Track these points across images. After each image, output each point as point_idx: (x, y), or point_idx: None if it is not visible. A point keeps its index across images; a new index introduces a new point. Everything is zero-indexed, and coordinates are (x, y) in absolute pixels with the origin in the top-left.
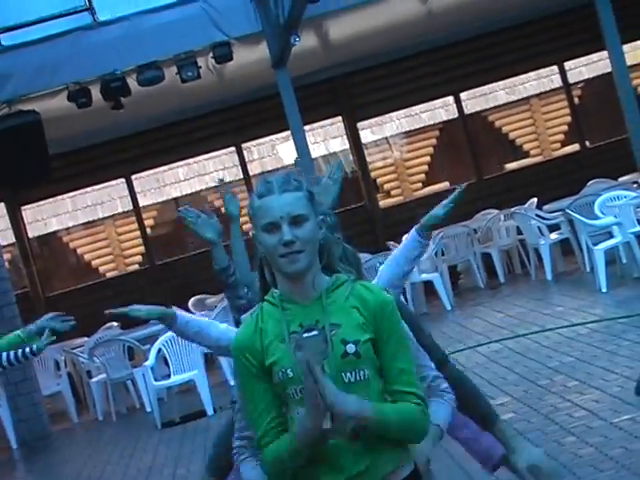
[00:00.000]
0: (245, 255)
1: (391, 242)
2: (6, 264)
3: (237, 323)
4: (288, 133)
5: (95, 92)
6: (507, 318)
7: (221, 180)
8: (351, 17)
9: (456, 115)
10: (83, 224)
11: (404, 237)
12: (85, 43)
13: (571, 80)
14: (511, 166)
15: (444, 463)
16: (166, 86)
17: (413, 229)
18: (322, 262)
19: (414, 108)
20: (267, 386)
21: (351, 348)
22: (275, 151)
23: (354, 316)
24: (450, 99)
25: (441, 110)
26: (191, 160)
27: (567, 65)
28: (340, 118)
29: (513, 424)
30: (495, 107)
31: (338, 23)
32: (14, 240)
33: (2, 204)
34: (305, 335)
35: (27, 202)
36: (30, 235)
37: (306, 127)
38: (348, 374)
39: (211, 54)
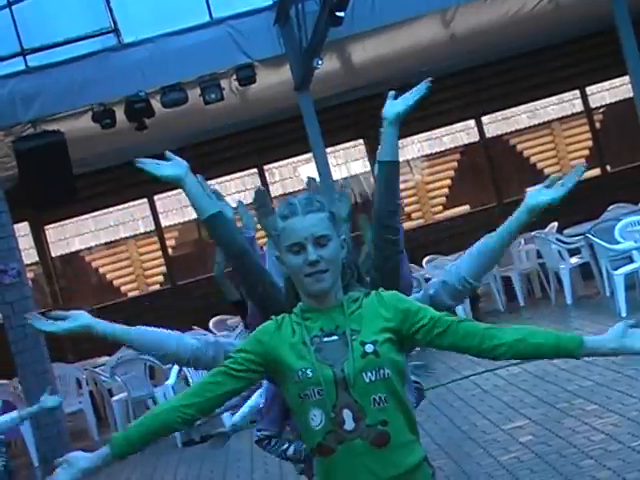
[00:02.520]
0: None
1: (411, 265)
2: (29, 283)
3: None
4: (309, 155)
5: (119, 113)
6: None
7: (240, 202)
8: (374, 40)
9: (477, 139)
10: (105, 244)
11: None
12: (110, 64)
13: (593, 105)
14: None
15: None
16: (189, 107)
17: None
18: (344, 281)
19: (435, 131)
20: (241, 376)
21: (370, 348)
22: (297, 173)
23: (374, 321)
24: (471, 122)
25: (462, 133)
26: (213, 181)
27: (589, 90)
28: (362, 141)
29: (531, 447)
30: (516, 131)
31: (361, 46)
32: (37, 259)
33: (26, 223)
34: (325, 339)
35: (50, 221)
36: (53, 254)
37: (328, 149)
38: (369, 373)
39: (234, 76)
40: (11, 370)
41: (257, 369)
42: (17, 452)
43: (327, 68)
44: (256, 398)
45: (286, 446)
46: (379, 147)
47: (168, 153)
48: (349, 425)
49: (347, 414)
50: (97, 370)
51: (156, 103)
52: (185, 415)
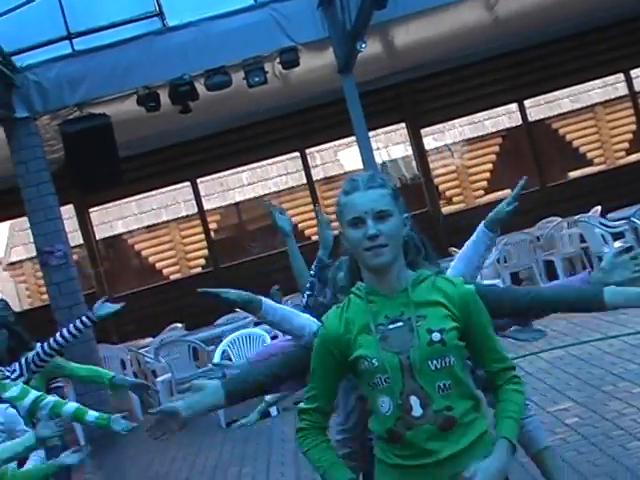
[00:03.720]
0: (306, 270)
1: (453, 248)
2: (74, 266)
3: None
4: (351, 139)
5: (164, 96)
6: (570, 325)
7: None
8: (417, 23)
9: (520, 123)
10: (148, 227)
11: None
12: (155, 48)
13: (637, 88)
14: (575, 174)
15: None
16: (233, 91)
17: (481, 224)
18: (407, 259)
19: (477, 115)
20: (335, 378)
21: (436, 336)
22: (337, 157)
23: (439, 308)
24: (514, 106)
25: (504, 117)
26: (255, 165)
27: (633, 73)
28: (404, 124)
29: (577, 428)
30: (559, 115)
31: (404, 29)
32: (82, 242)
33: (71, 206)
34: (391, 326)
35: (95, 204)
36: (97, 237)
37: (370, 133)
38: (434, 361)
39: (278, 60)
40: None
41: (341, 366)
42: (65, 431)
43: (370, 51)
44: None
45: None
46: None
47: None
48: (417, 411)
49: (414, 400)
50: (141, 351)
51: (200, 86)
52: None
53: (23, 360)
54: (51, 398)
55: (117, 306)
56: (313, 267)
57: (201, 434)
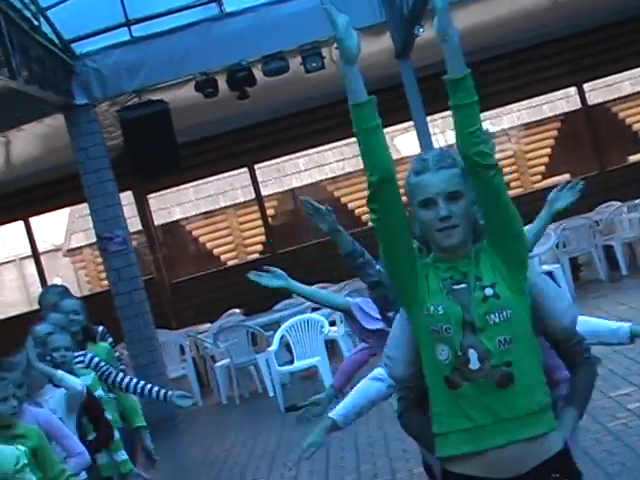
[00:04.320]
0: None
1: None
2: (134, 252)
3: (374, 302)
4: (407, 125)
5: (221, 82)
6: (630, 310)
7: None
8: (476, 7)
9: (579, 106)
10: (205, 213)
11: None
12: (212, 34)
13: None
14: (634, 158)
15: None
16: (290, 76)
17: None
18: (475, 236)
19: (535, 99)
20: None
21: (489, 291)
22: (394, 143)
23: (490, 266)
24: (572, 90)
25: (563, 101)
26: (312, 150)
27: None
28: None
29: (639, 413)
30: (619, 98)
31: (463, 13)
32: (140, 228)
33: (130, 192)
34: (455, 287)
35: (153, 190)
36: (156, 223)
37: (427, 118)
38: (492, 315)
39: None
40: (118, 336)
41: (410, 260)
42: None
43: (428, 35)
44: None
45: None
46: None
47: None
48: (474, 364)
49: (472, 354)
50: (200, 337)
51: (258, 72)
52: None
53: (96, 362)
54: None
55: (189, 402)
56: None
57: (260, 419)
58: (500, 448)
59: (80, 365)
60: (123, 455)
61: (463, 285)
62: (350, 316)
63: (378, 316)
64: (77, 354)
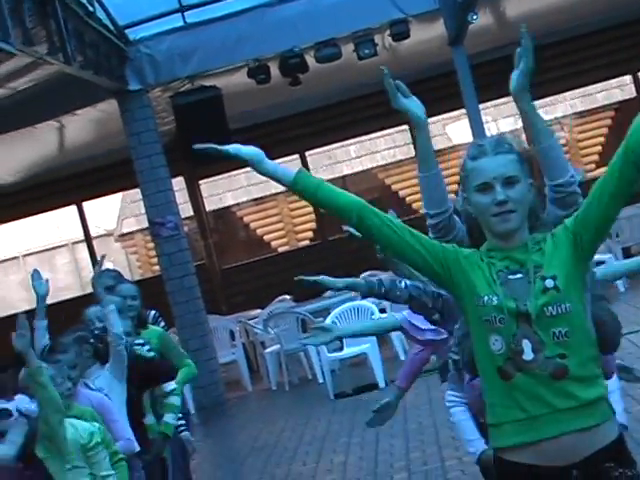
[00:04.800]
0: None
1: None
2: (185, 237)
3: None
4: (459, 112)
5: (274, 68)
6: None
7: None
8: None
9: (633, 95)
10: (256, 199)
11: None
12: (265, 20)
13: None
14: None
15: None
16: (343, 63)
17: None
18: (530, 224)
19: (588, 88)
20: (420, 248)
21: (550, 283)
22: (445, 130)
23: (552, 257)
24: (627, 79)
25: (617, 90)
26: (363, 137)
27: None
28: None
29: None
30: None
31: (516, 0)
32: (192, 213)
33: (181, 178)
34: (510, 277)
35: (204, 176)
36: (207, 209)
37: (479, 106)
38: (550, 307)
39: (388, 32)
40: (169, 321)
41: (444, 265)
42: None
43: (481, 22)
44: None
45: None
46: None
47: None
48: (528, 355)
49: (526, 344)
50: (250, 322)
51: (310, 59)
52: (361, 213)
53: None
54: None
55: None
56: None
57: (309, 405)
58: (554, 438)
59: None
60: (172, 419)
61: (519, 275)
62: (403, 331)
63: (427, 325)
64: (137, 341)
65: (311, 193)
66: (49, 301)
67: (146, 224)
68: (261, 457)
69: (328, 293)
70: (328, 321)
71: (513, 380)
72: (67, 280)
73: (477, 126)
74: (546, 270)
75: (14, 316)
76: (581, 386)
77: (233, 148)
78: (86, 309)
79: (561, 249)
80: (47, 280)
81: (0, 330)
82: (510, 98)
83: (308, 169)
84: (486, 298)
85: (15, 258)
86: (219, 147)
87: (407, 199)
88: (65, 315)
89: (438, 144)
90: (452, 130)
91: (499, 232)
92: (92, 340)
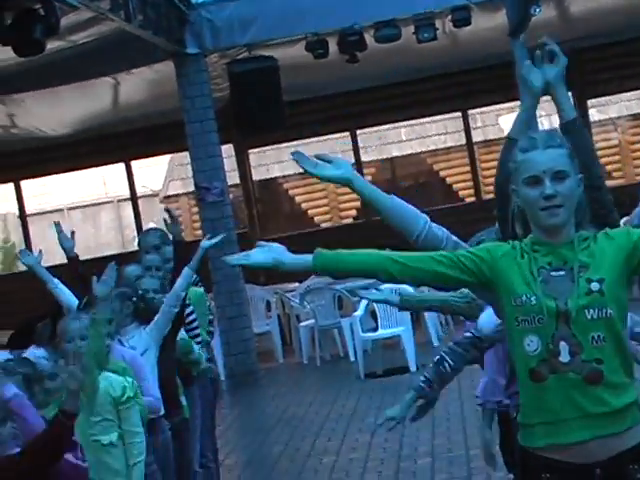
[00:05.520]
0: None
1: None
2: (230, 204)
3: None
4: (512, 104)
5: (332, 44)
6: None
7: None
8: None
9: None
10: (303, 173)
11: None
12: None
13: None
14: None
15: None
16: (401, 45)
17: None
18: (577, 219)
19: None
20: (473, 262)
21: (595, 286)
22: (498, 121)
23: (601, 260)
24: None
25: None
26: (415, 121)
27: None
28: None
29: None
30: None
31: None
32: (238, 182)
33: (231, 145)
34: (552, 273)
35: (254, 146)
36: (254, 178)
37: None
38: (591, 311)
39: (450, 17)
40: (208, 286)
41: (479, 274)
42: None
43: (544, 16)
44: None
45: None
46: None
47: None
48: (564, 357)
49: (563, 346)
50: (287, 295)
51: (369, 37)
52: (391, 269)
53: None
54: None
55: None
56: None
57: (339, 382)
58: (583, 442)
59: None
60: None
61: (562, 272)
62: None
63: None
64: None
65: (333, 270)
66: (92, 255)
67: (192, 187)
68: (287, 429)
69: None
70: (365, 301)
71: (545, 383)
72: (110, 237)
73: (531, 119)
74: (593, 272)
75: (54, 267)
76: (614, 393)
77: (253, 257)
78: (124, 266)
79: (614, 254)
80: (40, 251)
81: (38, 281)
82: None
83: (357, 148)
84: (524, 297)
85: (60, 210)
86: (243, 258)
87: (453, 186)
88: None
89: (490, 134)
90: (504, 121)
91: (546, 226)
92: (135, 298)
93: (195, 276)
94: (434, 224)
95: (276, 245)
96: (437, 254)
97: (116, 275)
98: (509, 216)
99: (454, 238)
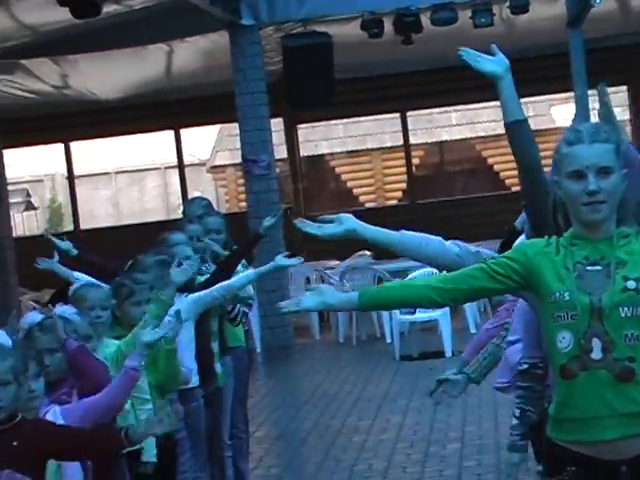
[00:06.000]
0: None
1: None
2: (276, 178)
3: None
4: (566, 95)
5: (388, 24)
6: None
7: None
8: None
9: None
10: (350, 152)
11: None
12: None
13: None
14: None
15: None
16: (456, 29)
17: None
18: (619, 216)
19: None
20: (509, 270)
21: (631, 284)
22: (550, 111)
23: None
24: None
25: None
26: (466, 106)
27: None
28: (624, 87)
29: None
30: None
31: None
32: (285, 156)
33: (280, 119)
34: (589, 268)
35: (303, 121)
36: (301, 154)
37: (588, 92)
38: (626, 308)
39: (507, 3)
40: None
41: (516, 278)
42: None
43: (604, 8)
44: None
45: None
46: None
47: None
48: (596, 354)
49: (596, 343)
50: (327, 272)
51: (425, 19)
52: (437, 297)
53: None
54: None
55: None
56: None
57: (374, 363)
58: (613, 441)
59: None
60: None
61: (598, 267)
62: None
63: None
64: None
65: (378, 308)
66: (136, 221)
67: (239, 159)
68: (319, 406)
69: None
70: None
71: (575, 379)
72: (155, 203)
73: (583, 111)
74: (630, 270)
75: (99, 230)
76: None
77: (303, 303)
78: (169, 234)
79: None
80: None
81: (85, 241)
82: (620, 88)
83: (407, 129)
84: (557, 294)
85: (107, 174)
86: (294, 305)
87: (501, 174)
88: (150, 237)
89: (540, 124)
90: (557, 112)
91: (587, 221)
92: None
93: (236, 248)
94: (448, 241)
95: (325, 286)
96: (471, 269)
97: (197, 265)
98: (543, 204)
99: (472, 249)
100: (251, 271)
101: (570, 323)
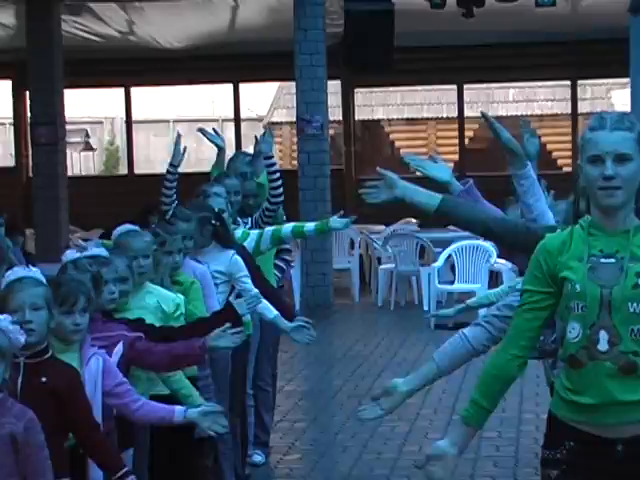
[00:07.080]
0: None
1: None
2: (329, 139)
3: None
4: (625, 80)
5: None
6: None
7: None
8: None
9: None
10: (406, 119)
11: None
12: None
13: None
14: None
15: None
16: (519, 6)
17: None
18: (636, 205)
19: None
20: (542, 292)
21: None
22: (609, 95)
23: None
24: None
25: None
26: (524, 84)
27: None
28: None
29: None
30: None
31: None
32: (340, 118)
33: (338, 82)
34: (602, 260)
35: (361, 86)
36: (356, 118)
37: None
38: (635, 304)
39: None
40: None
41: (550, 289)
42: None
43: None
44: None
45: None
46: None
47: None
48: (602, 346)
49: (603, 335)
50: (372, 237)
51: None
52: (520, 361)
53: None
54: (269, 228)
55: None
56: None
57: (409, 329)
58: (613, 424)
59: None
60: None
61: (612, 260)
62: None
63: None
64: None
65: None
66: (192, 170)
67: (294, 118)
68: (350, 366)
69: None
70: (446, 253)
71: (583, 369)
72: (210, 154)
73: (637, 99)
74: None
75: (153, 176)
76: None
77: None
78: (208, 186)
79: None
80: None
81: (139, 185)
82: None
83: (462, 102)
84: (569, 286)
85: (165, 121)
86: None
87: (554, 154)
88: (201, 186)
89: (598, 107)
90: (616, 96)
91: (602, 206)
92: (214, 222)
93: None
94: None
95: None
96: (519, 321)
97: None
98: (520, 243)
99: (501, 306)
100: (279, 319)
101: (579, 314)
